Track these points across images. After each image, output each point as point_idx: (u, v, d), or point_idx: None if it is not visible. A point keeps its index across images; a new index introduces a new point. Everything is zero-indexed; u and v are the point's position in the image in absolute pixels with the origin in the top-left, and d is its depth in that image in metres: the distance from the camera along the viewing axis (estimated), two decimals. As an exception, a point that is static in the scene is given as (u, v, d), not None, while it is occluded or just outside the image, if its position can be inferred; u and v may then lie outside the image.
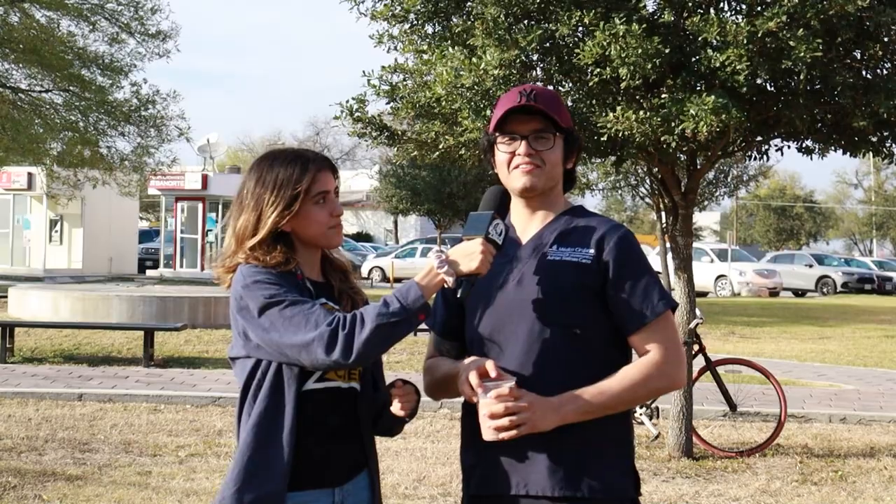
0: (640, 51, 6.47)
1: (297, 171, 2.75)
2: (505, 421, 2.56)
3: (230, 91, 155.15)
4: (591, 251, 2.71)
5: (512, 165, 2.76)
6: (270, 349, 2.64)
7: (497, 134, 2.78)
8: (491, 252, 2.61)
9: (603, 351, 2.71)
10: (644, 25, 6.59)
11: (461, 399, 2.77)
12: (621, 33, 6.48)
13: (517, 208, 2.82)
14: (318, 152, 2.85)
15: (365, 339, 2.54)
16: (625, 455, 2.75)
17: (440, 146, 7.65)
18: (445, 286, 2.63)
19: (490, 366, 2.60)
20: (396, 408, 2.77)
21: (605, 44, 6.53)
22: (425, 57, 7.55)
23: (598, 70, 6.76)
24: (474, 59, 6.88)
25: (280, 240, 2.76)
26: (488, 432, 2.59)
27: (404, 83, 7.59)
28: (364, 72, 7.57)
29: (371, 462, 2.84)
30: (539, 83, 7.41)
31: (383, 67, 7.65)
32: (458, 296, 2.64)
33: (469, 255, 2.60)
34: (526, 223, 2.81)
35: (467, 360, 2.69)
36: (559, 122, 2.75)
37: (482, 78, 6.82)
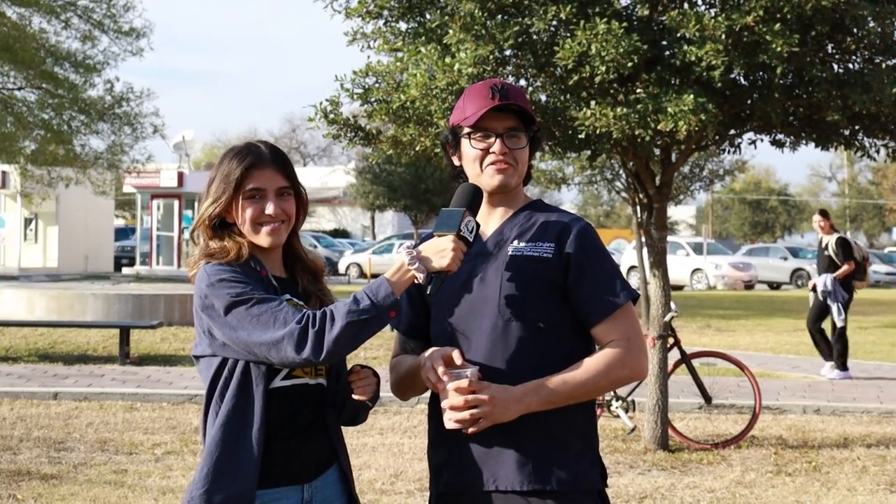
0: (620, 49, 6.49)
1: (235, 166, 2.75)
2: (465, 414, 2.59)
3: (207, 88, 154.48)
4: (552, 245, 2.73)
5: (485, 163, 2.77)
6: (238, 348, 2.63)
7: (470, 129, 2.78)
8: (462, 249, 2.62)
9: (566, 344, 2.73)
10: (624, 23, 6.62)
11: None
12: (602, 32, 6.50)
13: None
14: (273, 148, 2.83)
15: (335, 336, 2.54)
16: (590, 447, 2.78)
17: (416, 147, 7.65)
18: (416, 282, 2.62)
19: (455, 354, 2.62)
20: (357, 393, 2.78)
21: (585, 42, 6.55)
22: (399, 55, 7.53)
23: (577, 67, 6.77)
24: (448, 59, 6.88)
25: (226, 229, 2.77)
26: (450, 422, 2.62)
27: (377, 86, 7.57)
28: (336, 76, 7.54)
29: (341, 456, 2.84)
30: (510, 78, 7.43)
31: (355, 72, 7.63)
32: (428, 293, 2.64)
33: (440, 251, 2.61)
34: (486, 218, 2.83)
35: (428, 352, 2.70)
36: (529, 116, 2.78)
37: (456, 79, 6.83)
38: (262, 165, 2.76)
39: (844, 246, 12.44)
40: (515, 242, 2.75)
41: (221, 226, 2.77)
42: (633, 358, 2.72)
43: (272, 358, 2.60)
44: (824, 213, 13.03)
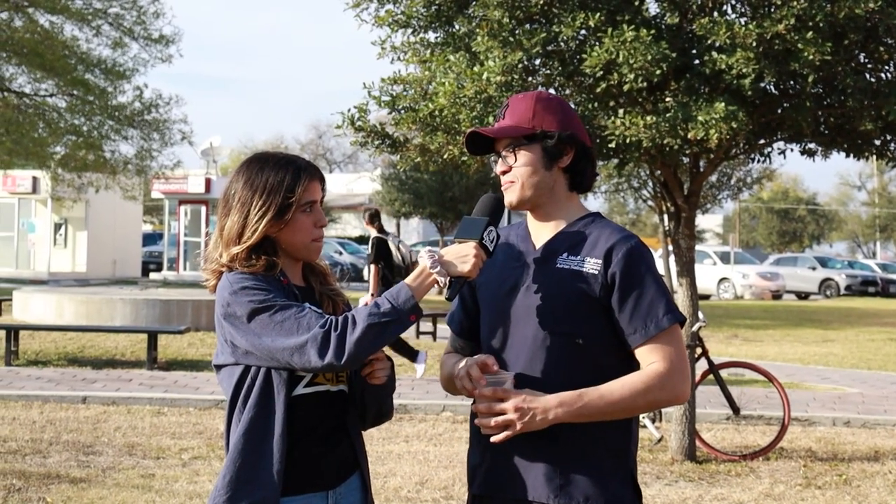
0: (648, 56, 6.46)
1: (288, 179, 2.73)
2: (490, 421, 2.60)
3: (234, 95, 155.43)
4: (600, 261, 2.70)
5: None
6: (261, 354, 2.64)
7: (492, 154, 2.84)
8: (482, 257, 2.64)
9: (606, 362, 2.70)
10: (652, 31, 6.59)
11: (463, 401, 2.78)
12: (630, 39, 6.48)
13: (529, 216, 2.85)
14: (307, 160, 2.84)
15: (357, 339, 2.55)
16: (623, 464, 2.73)
17: (444, 155, 7.64)
18: (438, 286, 2.66)
19: (491, 361, 2.64)
20: (371, 379, 2.78)
21: (613, 49, 6.53)
22: (427, 64, 7.53)
23: (605, 75, 6.74)
24: (476, 68, 6.87)
25: (264, 245, 2.74)
26: (482, 428, 2.65)
27: (404, 93, 7.57)
28: (364, 84, 7.54)
29: (362, 463, 2.85)
30: (540, 88, 7.41)
31: (383, 79, 7.64)
32: (446, 297, 2.68)
33: (462, 257, 2.63)
34: (540, 230, 2.82)
35: (465, 360, 2.72)
36: (513, 132, 2.74)
37: (484, 87, 6.81)
38: (314, 178, 2.77)
39: (377, 246, 12.60)
40: (564, 255, 2.73)
41: (257, 247, 2.73)
42: (674, 382, 2.66)
43: (295, 363, 2.61)
44: (372, 215, 13.14)
